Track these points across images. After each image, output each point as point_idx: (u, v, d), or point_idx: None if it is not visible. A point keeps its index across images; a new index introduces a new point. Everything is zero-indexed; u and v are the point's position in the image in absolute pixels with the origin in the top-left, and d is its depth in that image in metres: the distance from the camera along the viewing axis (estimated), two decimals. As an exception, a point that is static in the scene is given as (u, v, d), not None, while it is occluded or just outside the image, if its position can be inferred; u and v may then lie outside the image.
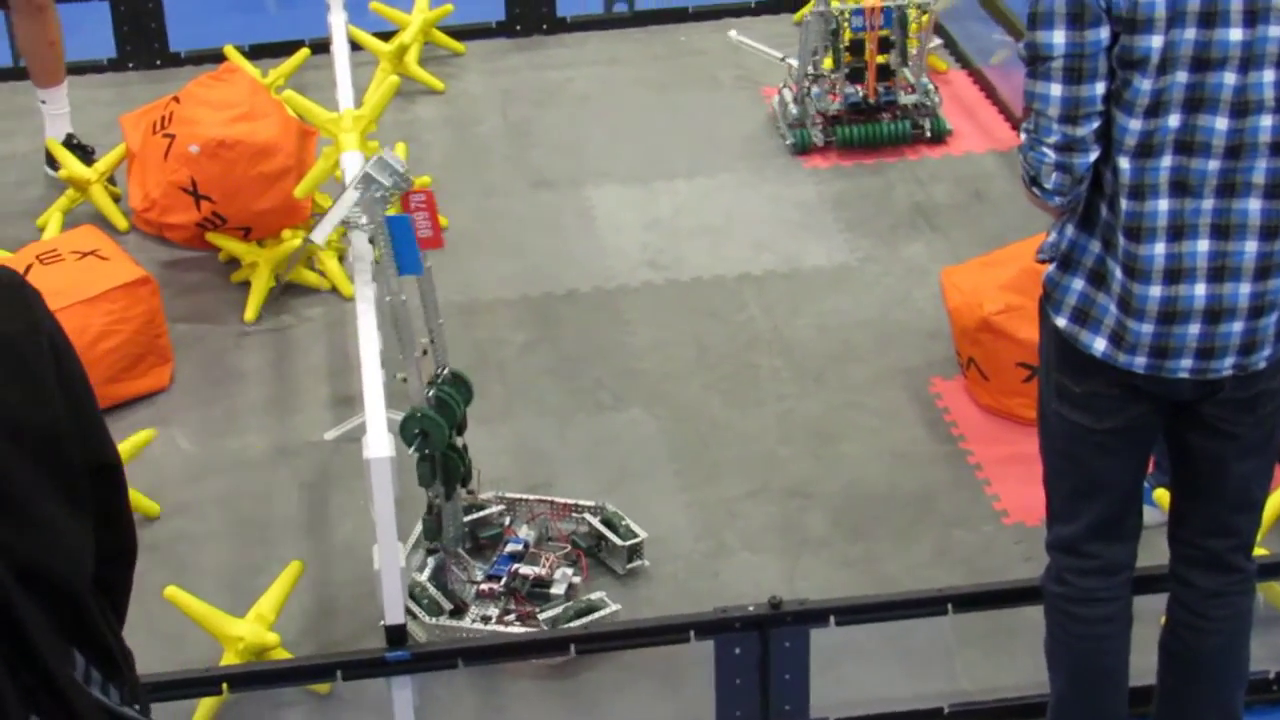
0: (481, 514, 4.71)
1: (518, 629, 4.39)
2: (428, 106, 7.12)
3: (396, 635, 4.03)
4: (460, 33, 7.50)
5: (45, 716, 2.14)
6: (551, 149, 6.78)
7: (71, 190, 6.28)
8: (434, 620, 4.40)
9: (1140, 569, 3.76)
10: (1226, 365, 3.40)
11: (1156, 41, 3.18)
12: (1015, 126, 6.64)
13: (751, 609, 4.04)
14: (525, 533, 4.69)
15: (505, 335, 5.69)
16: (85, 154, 6.40)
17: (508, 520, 4.74)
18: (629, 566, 4.67)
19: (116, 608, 2.37)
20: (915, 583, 4.56)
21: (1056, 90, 3.26)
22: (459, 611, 4.44)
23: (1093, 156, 3.31)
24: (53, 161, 6.48)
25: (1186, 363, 3.39)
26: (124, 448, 4.28)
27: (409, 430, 4.25)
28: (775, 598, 4.03)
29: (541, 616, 4.41)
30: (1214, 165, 3.26)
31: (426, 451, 4.29)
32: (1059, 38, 3.22)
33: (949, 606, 4.18)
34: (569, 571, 4.56)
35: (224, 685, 4.10)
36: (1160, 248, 3.31)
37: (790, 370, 5.50)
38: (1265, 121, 3.24)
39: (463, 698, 4.38)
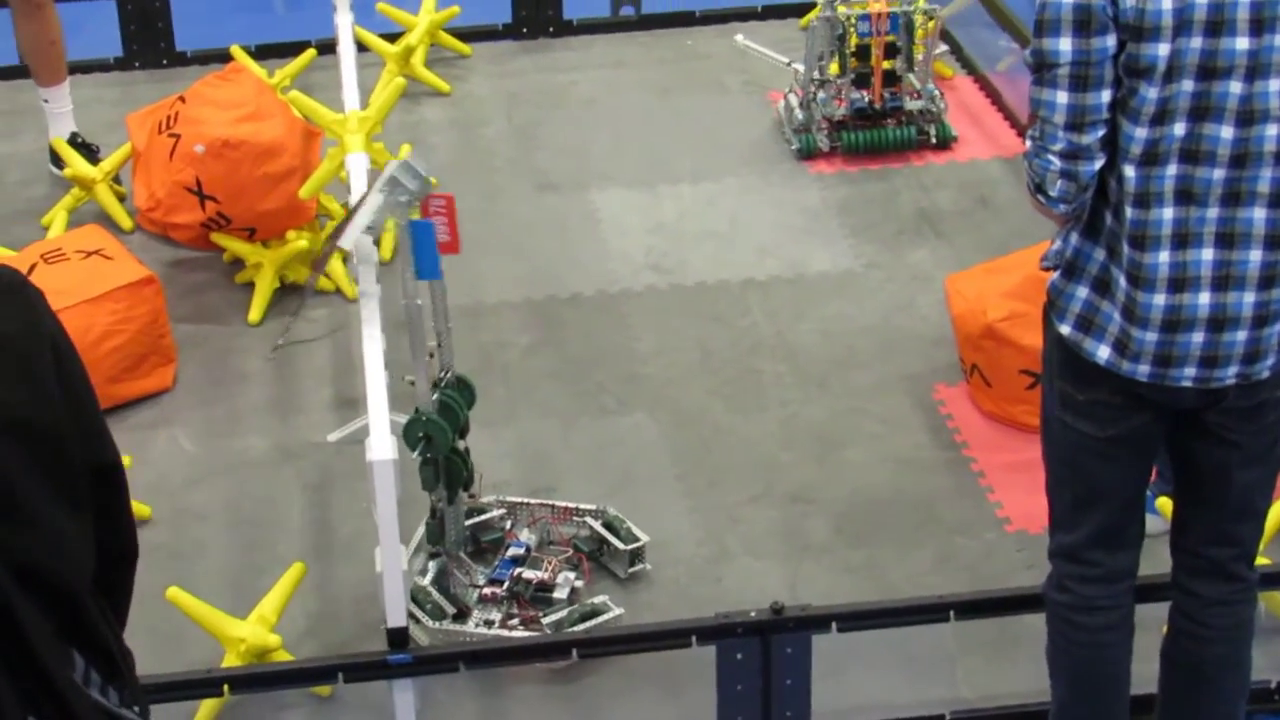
0: (482, 518, 4.71)
1: (521, 633, 4.38)
2: (433, 108, 7.12)
3: (398, 638, 4.03)
4: (467, 35, 7.50)
5: (43, 718, 2.14)
6: (557, 152, 6.78)
7: (76, 189, 6.29)
8: (437, 624, 4.39)
9: (1142, 577, 3.76)
10: (1230, 374, 3.40)
11: (1163, 50, 3.18)
12: (1021, 133, 6.63)
13: (753, 614, 4.04)
14: (526, 536, 4.69)
15: (508, 338, 5.69)
16: (89, 152, 6.40)
17: (508, 524, 4.74)
18: (631, 570, 4.67)
19: (117, 609, 2.37)
20: (917, 589, 4.56)
21: (1062, 98, 3.26)
22: (462, 616, 4.44)
23: (1098, 164, 3.31)
24: (57, 160, 6.48)
25: (1190, 371, 3.39)
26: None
27: (413, 434, 4.25)
28: (777, 603, 4.03)
29: (545, 620, 4.41)
30: (1219, 174, 3.26)
31: (430, 455, 4.29)
32: (1065, 45, 3.22)
33: (951, 613, 4.18)
34: (571, 575, 4.56)
35: (225, 687, 4.10)
36: (1165, 256, 3.31)
37: (793, 376, 5.50)
38: (1270, 131, 3.24)
39: (464, 701, 4.38)
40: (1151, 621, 3.94)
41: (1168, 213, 3.29)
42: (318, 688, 4.34)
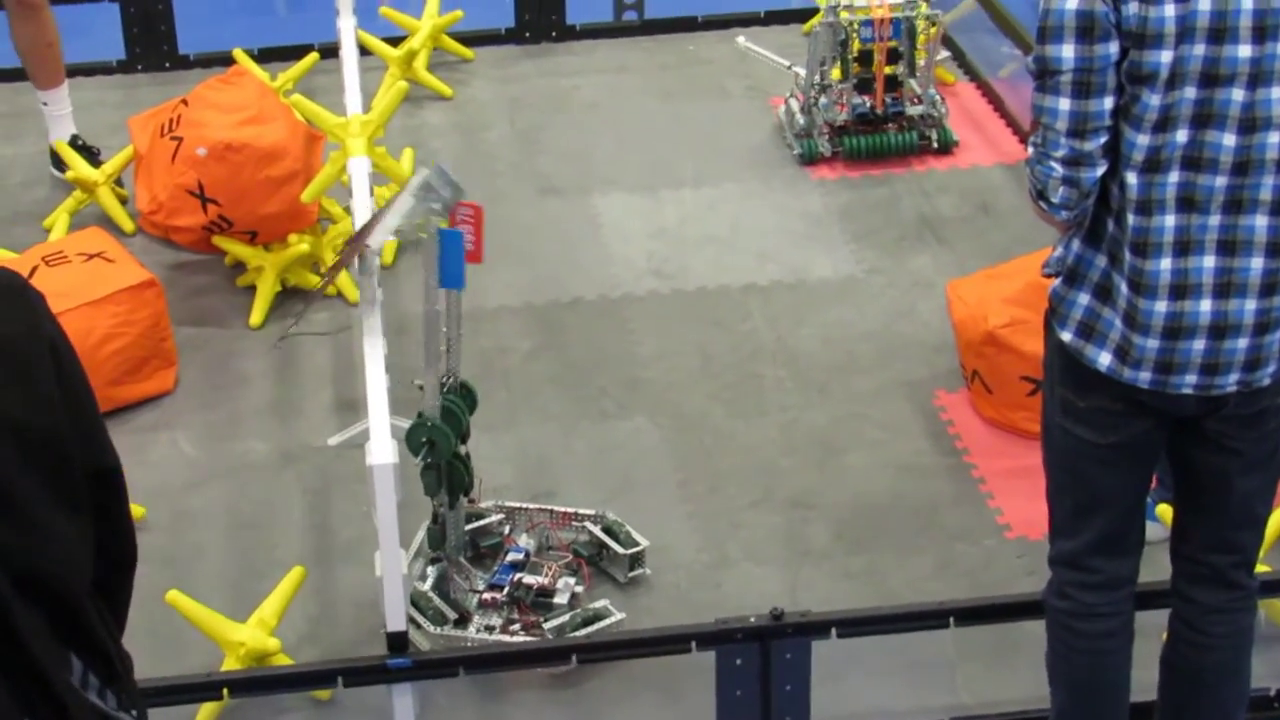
0: (481, 523, 4.71)
1: (523, 638, 4.38)
2: (436, 112, 7.12)
3: (398, 642, 4.03)
4: (469, 39, 7.50)
5: None
6: (559, 157, 6.78)
7: (78, 192, 6.29)
8: (438, 630, 4.39)
9: (1142, 584, 3.76)
10: (1231, 381, 3.40)
11: (1166, 57, 3.18)
12: (1023, 140, 6.64)
13: (753, 620, 4.04)
14: (525, 541, 4.69)
15: (510, 343, 5.69)
16: (90, 155, 6.41)
17: (507, 529, 4.74)
18: (630, 575, 4.67)
19: (116, 612, 2.36)
20: (917, 595, 4.56)
21: (1065, 104, 3.26)
22: (463, 621, 4.44)
23: (1100, 171, 3.31)
24: (58, 163, 6.48)
25: (1191, 378, 3.39)
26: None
27: (415, 439, 4.25)
28: (777, 609, 4.03)
29: (547, 625, 4.41)
30: (1221, 181, 3.26)
31: (432, 461, 4.29)
32: (1068, 52, 3.22)
33: (951, 620, 4.18)
34: (571, 580, 4.56)
35: (225, 690, 4.10)
36: (1166, 263, 3.31)
37: (794, 381, 5.50)
38: (1273, 138, 3.24)
39: (464, 706, 4.38)
40: (1151, 628, 3.94)
41: (1169, 220, 3.29)
42: (317, 692, 4.34)
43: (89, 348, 5.14)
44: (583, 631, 4.37)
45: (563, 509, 4.78)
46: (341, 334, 5.73)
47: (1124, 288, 3.36)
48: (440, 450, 4.26)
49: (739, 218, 6.35)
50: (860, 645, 4.23)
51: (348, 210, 5.66)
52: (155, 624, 4.36)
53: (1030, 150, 3.38)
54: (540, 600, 4.50)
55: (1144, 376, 3.39)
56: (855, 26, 6.54)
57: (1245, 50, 3.18)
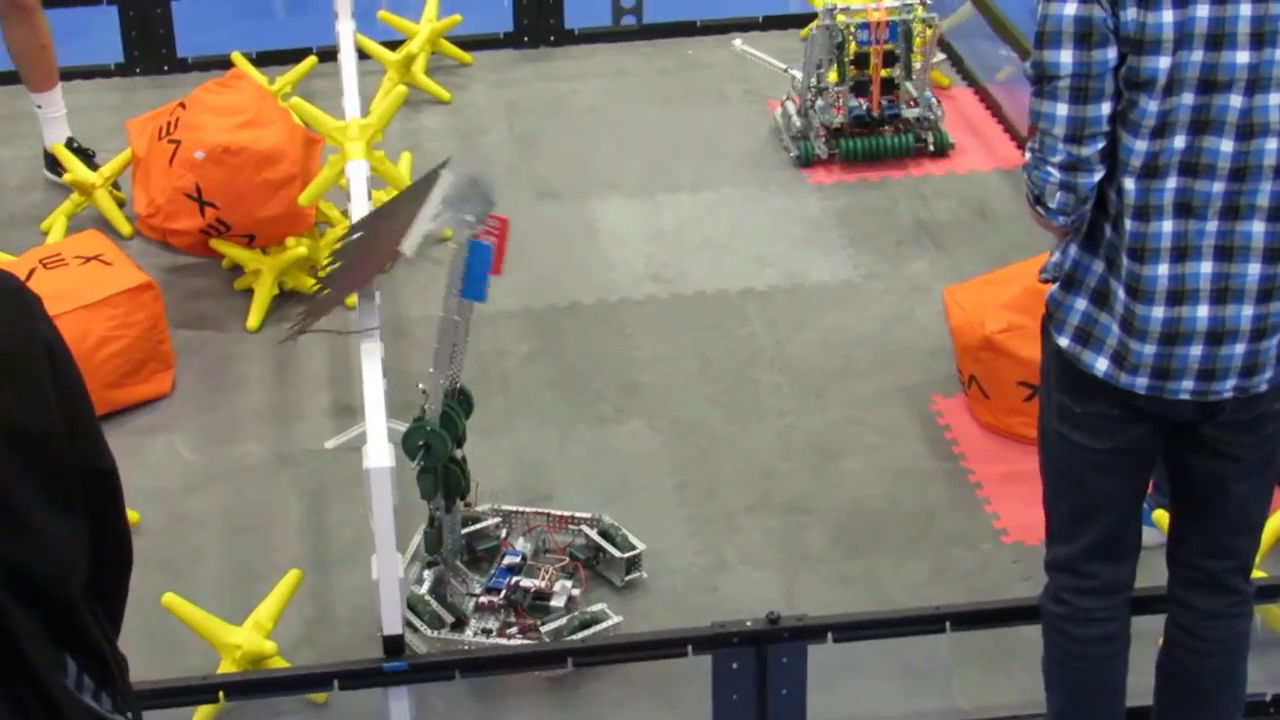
0: (478, 526, 4.71)
1: (519, 642, 4.38)
2: (434, 116, 7.13)
3: (394, 645, 4.02)
4: (468, 43, 7.51)
5: None
6: (557, 161, 6.78)
7: (76, 195, 6.29)
8: (435, 634, 4.39)
9: (1138, 590, 3.76)
10: (1228, 387, 3.40)
11: (1164, 63, 3.18)
12: (1020, 145, 6.64)
13: (749, 624, 4.03)
14: (522, 545, 4.69)
15: (507, 346, 5.69)
16: (86, 157, 6.40)
17: (504, 532, 4.74)
18: (627, 578, 4.67)
19: (111, 614, 2.36)
20: (914, 600, 4.56)
21: (1062, 110, 3.26)
22: (460, 624, 4.44)
23: (1097, 176, 3.31)
24: (53, 166, 6.49)
25: (1188, 384, 3.39)
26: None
27: (412, 442, 4.24)
28: (773, 613, 4.03)
29: (544, 629, 4.41)
30: (1218, 187, 3.26)
31: (428, 464, 4.29)
32: (1066, 57, 3.22)
33: (947, 624, 4.18)
34: (568, 584, 4.56)
35: (221, 693, 4.10)
36: (1164, 269, 3.31)
37: (792, 386, 5.50)
38: (1270, 144, 3.24)
39: (460, 709, 4.38)
40: (1148, 634, 3.93)
41: (1167, 225, 3.29)
42: (313, 695, 4.34)
43: (86, 350, 5.14)
44: (579, 635, 4.37)
45: (559, 513, 4.78)
46: (338, 337, 5.72)
47: (1121, 293, 3.36)
48: (437, 454, 4.25)
49: (737, 222, 6.36)
50: (856, 650, 4.23)
51: (345, 214, 5.67)
52: (151, 626, 4.36)
53: (1028, 155, 3.38)
54: (537, 604, 4.50)
55: (1141, 382, 3.39)
56: (852, 29, 6.55)
57: (1243, 56, 3.18)
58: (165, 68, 7.42)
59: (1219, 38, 3.17)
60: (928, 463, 5.15)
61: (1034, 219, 3.45)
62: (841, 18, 6.54)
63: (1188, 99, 3.21)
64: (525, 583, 4.53)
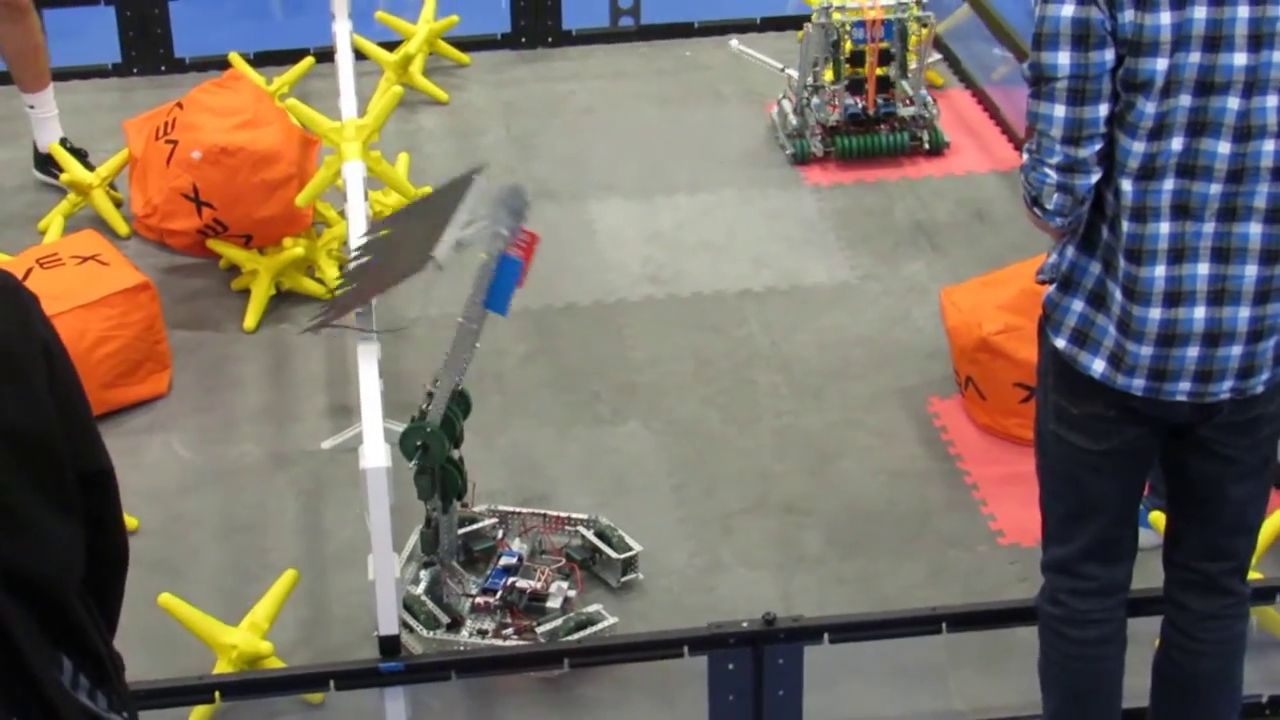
0: (474, 527, 4.70)
1: (515, 643, 4.38)
2: (431, 117, 7.13)
3: (390, 646, 4.02)
4: (465, 44, 7.51)
5: None
6: (554, 162, 6.78)
7: (73, 195, 6.29)
8: (431, 634, 4.39)
9: (1135, 591, 3.76)
10: (1224, 389, 3.40)
11: (1161, 65, 3.18)
12: (1018, 147, 6.64)
13: (746, 625, 4.03)
14: (518, 545, 4.69)
15: (504, 347, 5.69)
16: (79, 157, 6.40)
17: (501, 533, 4.74)
18: (623, 579, 4.67)
19: (107, 614, 2.36)
20: (910, 601, 4.56)
21: (1060, 111, 3.26)
22: (456, 625, 4.44)
23: (1095, 178, 3.31)
24: (43, 166, 6.48)
25: (1184, 386, 3.39)
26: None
27: (410, 442, 4.24)
28: (769, 614, 4.03)
29: (540, 630, 4.41)
30: (1215, 189, 3.26)
31: (425, 464, 4.28)
32: (1064, 59, 3.22)
33: (943, 625, 4.18)
34: (564, 585, 4.56)
35: (216, 693, 4.10)
36: (1160, 270, 3.31)
37: (789, 387, 5.50)
38: (1267, 146, 3.24)
39: (456, 710, 4.38)
40: (1144, 635, 3.93)
41: (1164, 227, 3.29)
42: (309, 695, 4.33)
43: (83, 350, 5.13)
44: (575, 636, 4.37)
45: (556, 513, 4.78)
46: (335, 338, 5.72)
47: (1118, 294, 3.36)
48: (434, 454, 4.25)
49: (734, 223, 6.36)
50: (853, 650, 4.24)
51: (342, 214, 5.67)
52: (148, 627, 4.35)
53: (1025, 157, 3.38)
54: (533, 604, 4.50)
55: (1137, 383, 3.39)
56: (847, 28, 6.57)
57: (1241, 58, 3.18)
58: (163, 68, 7.42)
59: (1216, 40, 3.17)
60: (924, 464, 5.15)
61: (1031, 220, 3.45)
62: (837, 16, 6.55)
63: (1185, 101, 3.21)
64: (521, 583, 4.53)
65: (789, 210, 6.43)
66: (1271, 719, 4.29)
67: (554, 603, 4.50)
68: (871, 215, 6.40)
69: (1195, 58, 3.17)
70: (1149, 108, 3.21)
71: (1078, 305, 3.44)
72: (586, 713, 4.37)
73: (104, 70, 7.42)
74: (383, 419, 3.99)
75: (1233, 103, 3.20)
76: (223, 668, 4.26)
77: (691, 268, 6.10)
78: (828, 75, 6.67)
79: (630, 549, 4.68)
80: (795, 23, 7.58)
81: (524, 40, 7.65)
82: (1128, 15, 3.16)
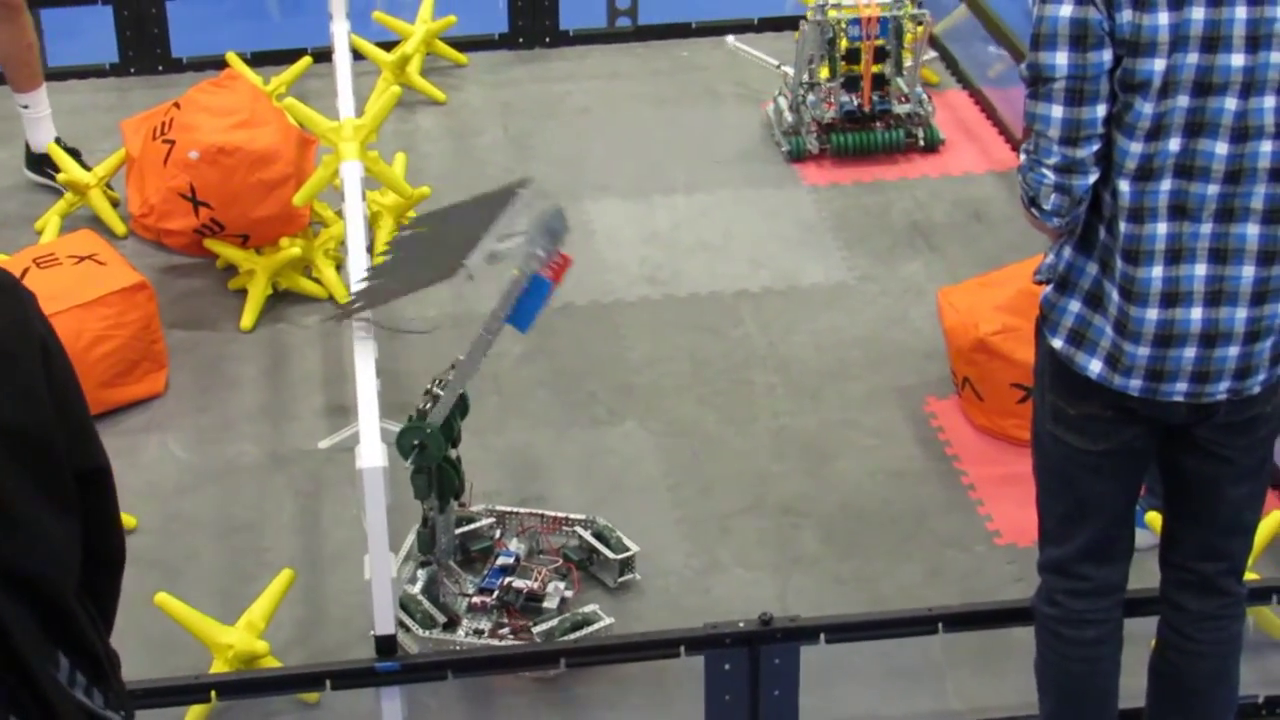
0: (472, 526, 4.70)
1: (511, 642, 4.38)
2: (428, 117, 7.13)
3: (386, 645, 4.02)
4: (463, 44, 7.51)
5: (25, 717, 2.14)
6: (551, 162, 6.78)
7: (70, 194, 6.28)
8: (427, 633, 4.39)
9: (1131, 592, 3.76)
10: (1221, 389, 3.40)
11: (1159, 65, 3.18)
12: (1015, 148, 6.65)
13: (742, 625, 4.03)
14: (516, 546, 4.69)
15: (501, 347, 5.66)
16: (73, 156, 6.39)
17: (498, 533, 4.74)
18: (620, 580, 4.67)
19: (104, 612, 2.36)
20: (907, 601, 4.56)
21: (1057, 112, 3.26)
22: (452, 625, 4.44)
23: (1092, 179, 3.31)
24: (33, 165, 6.48)
25: (1181, 386, 3.39)
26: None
27: (407, 442, 4.24)
28: (766, 614, 4.03)
29: (536, 630, 4.41)
30: (1213, 190, 3.26)
31: (423, 464, 4.28)
32: (1061, 59, 3.22)
33: (940, 626, 4.17)
34: (561, 585, 4.55)
35: (213, 693, 4.09)
36: (1158, 271, 3.31)
37: (785, 387, 5.50)
38: (1265, 147, 3.24)
39: (452, 710, 4.38)
40: (1140, 635, 3.93)
41: (1161, 228, 3.29)
42: (305, 695, 4.33)
43: (79, 350, 5.13)
44: (571, 636, 4.37)
45: (554, 514, 4.78)
46: (332, 337, 5.72)
47: (1115, 295, 3.36)
48: (431, 453, 4.25)
49: (731, 224, 6.36)
50: (849, 651, 4.24)
51: (339, 214, 5.67)
52: (144, 626, 4.35)
53: (1023, 157, 3.38)
54: (529, 605, 4.50)
55: (1134, 384, 3.40)
56: (843, 25, 6.57)
57: (1238, 59, 3.18)
58: (160, 68, 7.41)
59: (1214, 40, 3.17)
60: (921, 464, 5.16)
61: (1028, 221, 3.45)
62: (833, 13, 6.56)
63: (1183, 101, 3.21)
64: (518, 584, 4.53)
65: (786, 211, 6.43)
66: (1268, 720, 4.30)
67: (550, 603, 4.50)
68: (869, 216, 6.40)
69: (1193, 58, 3.17)
70: (1146, 108, 3.21)
71: (1075, 306, 3.44)
72: (583, 713, 4.37)
73: (101, 70, 7.41)
74: (379, 419, 3.99)
75: (1230, 103, 3.20)
76: (219, 667, 4.25)
77: (688, 268, 6.10)
78: (823, 72, 6.68)
79: (628, 550, 4.68)
80: (792, 23, 7.57)
81: (521, 40, 7.65)
82: (1125, 16, 3.17)
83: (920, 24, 6.61)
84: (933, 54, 7.19)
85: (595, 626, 4.41)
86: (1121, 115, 3.25)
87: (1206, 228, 3.29)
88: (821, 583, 4.72)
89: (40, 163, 6.46)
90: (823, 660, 4.16)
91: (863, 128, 6.70)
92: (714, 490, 5.06)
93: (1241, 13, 3.16)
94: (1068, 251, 3.45)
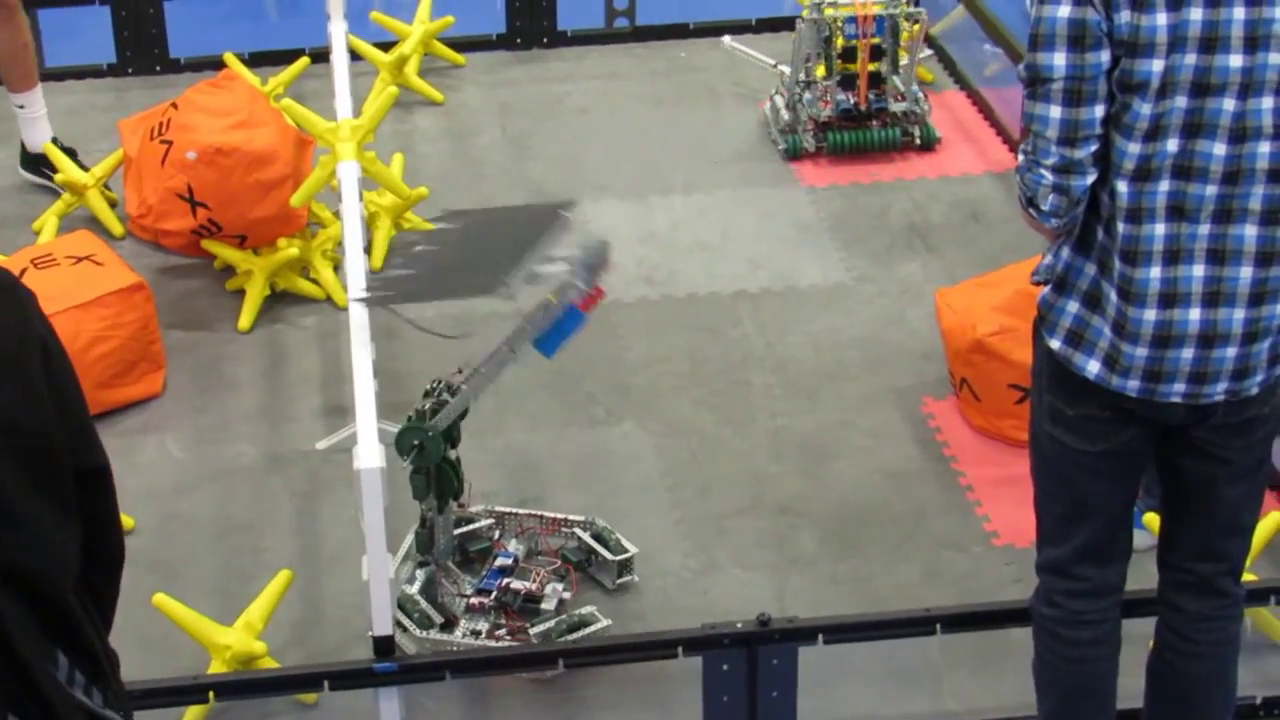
0: (471, 527, 4.70)
1: (509, 643, 4.38)
2: (426, 117, 7.12)
3: (384, 646, 4.02)
4: (460, 44, 7.51)
5: (24, 716, 2.14)
6: (549, 162, 6.78)
7: (67, 195, 6.28)
8: (425, 634, 4.39)
9: (1129, 592, 3.76)
10: (1219, 390, 3.40)
11: (1157, 66, 3.18)
12: (1013, 148, 6.65)
13: (740, 626, 4.03)
14: (514, 547, 4.69)
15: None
16: (69, 156, 6.38)
17: (497, 534, 4.74)
18: (619, 581, 4.67)
19: (103, 611, 2.36)
20: (904, 602, 4.56)
21: (1056, 112, 3.26)
22: (450, 625, 4.43)
23: (1090, 179, 3.31)
24: (29, 165, 6.48)
25: (1179, 387, 3.39)
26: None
27: (406, 442, 4.24)
28: (764, 615, 4.03)
29: (533, 631, 4.41)
30: (1211, 191, 3.26)
31: (421, 464, 4.28)
32: (1059, 60, 3.22)
33: (937, 626, 4.18)
34: (559, 586, 4.55)
35: (211, 693, 4.09)
36: (1156, 272, 3.31)
37: (783, 388, 5.50)
38: (1263, 148, 3.24)
39: (450, 710, 4.37)
40: (1138, 636, 3.93)
41: (1159, 228, 3.29)
42: (303, 695, 4.33)
43: (77, 350, 5.12)
44: (569, 637, 4.37)
45: (553, 515, 4.78)
46: (330, 338, 5.73)
47: (1113, 296, 3.36)
48: (429, 454, 4.25)
49: (729, 224, 6.36)
50: (847, 651, 4.24)
51: (337, 215, 5.66)
52: (143, 626, 4.35)
53: (1020, 158, 3.38)
54: (527, 605, 4.50)
55: (1132, 385, 3.40)
56: (839, 23, 6.58)
57: (1236, 60, 3.18)
58: (158, 68, 7.41)
59: (1212, 41, 3.17)
60: (919, 465, 5.16)
61: (1026, 221, 3.45)
62: (829, 11, 6.57)
63: (1181, 102, 3.21)
64: (516, 584, 4.53)
65: (784, 211, 6.43)
66: (1266, 720, 4.30)
67: (548, 604, 4.49)
68: (866, 216, 6.40)
69: (1191, 59, 3.17)
70: (1144, 109, 3.21)
71: (1073, 306, 3.44)
72: (581, 714, 4.37)
73: (99, 70, 7.41)
74: (377, 419, 3.99)
75: (1228, 104, 3.21)
76: (217, 668, 4.25)
77: (686, 268, 6.10)
78: (820, 71, 6.69)
79: (626, 551, 4.67)
80: (790, 23, 7.55)
81: (519, 41, 7.65)
82: (1124, 16, 3.17)
83: (916, 22, 6.62)
84: (928, 52, 7.20)
85: (593, 627, 4.41)
86: (1120, 116, 3.25)
87: (1204, 228, 3.29)
88: (819, 583, 4.72)
89: (35, 162, 6.46)
90: (821, 661, 4.17)
91: (859, 126, 6.70)
92: (712, 491, 5.06)
93: (1240, 13, 3.17)
94: (1066, 252, 3.45)
